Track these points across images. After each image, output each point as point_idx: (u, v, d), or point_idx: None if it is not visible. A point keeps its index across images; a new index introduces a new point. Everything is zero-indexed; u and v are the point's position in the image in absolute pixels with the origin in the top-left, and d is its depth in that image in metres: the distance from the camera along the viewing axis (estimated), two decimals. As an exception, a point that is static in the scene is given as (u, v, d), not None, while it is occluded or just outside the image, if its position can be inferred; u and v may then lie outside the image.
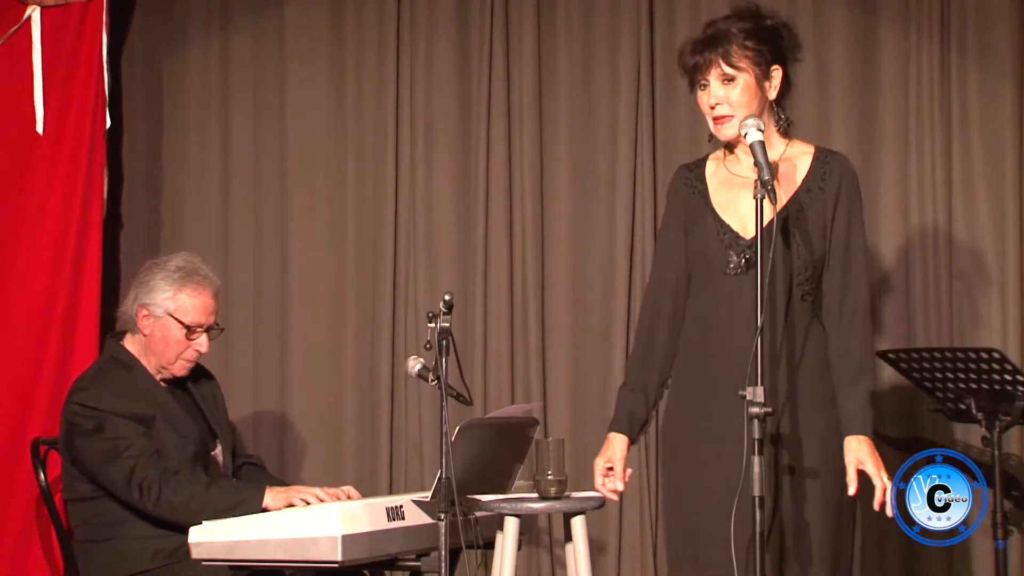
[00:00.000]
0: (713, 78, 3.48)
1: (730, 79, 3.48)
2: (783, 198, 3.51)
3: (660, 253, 3.71)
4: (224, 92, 5.36)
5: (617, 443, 3.62)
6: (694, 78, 3.51)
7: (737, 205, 3.53)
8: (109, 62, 5.11)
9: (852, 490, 3.43)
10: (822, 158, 3.58)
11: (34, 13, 5.05)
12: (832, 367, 3.53)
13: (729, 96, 3.48)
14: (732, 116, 3.48)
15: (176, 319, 4.22)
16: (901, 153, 5.00)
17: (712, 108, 3.49)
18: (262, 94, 5.34)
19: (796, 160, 3.56)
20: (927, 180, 4.97)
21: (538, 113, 5.20)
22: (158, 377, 4.28)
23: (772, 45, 3.52)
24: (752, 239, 3.45)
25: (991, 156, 4.94)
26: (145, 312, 4.24)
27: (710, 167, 3.63)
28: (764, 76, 3.50)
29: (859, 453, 3.44)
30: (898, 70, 5.01)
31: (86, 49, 5.07)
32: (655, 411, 3.67)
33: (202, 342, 4.27)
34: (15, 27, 5.04)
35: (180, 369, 4.28)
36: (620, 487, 3.61)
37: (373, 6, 5.29)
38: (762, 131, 3.41)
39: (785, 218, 3.49)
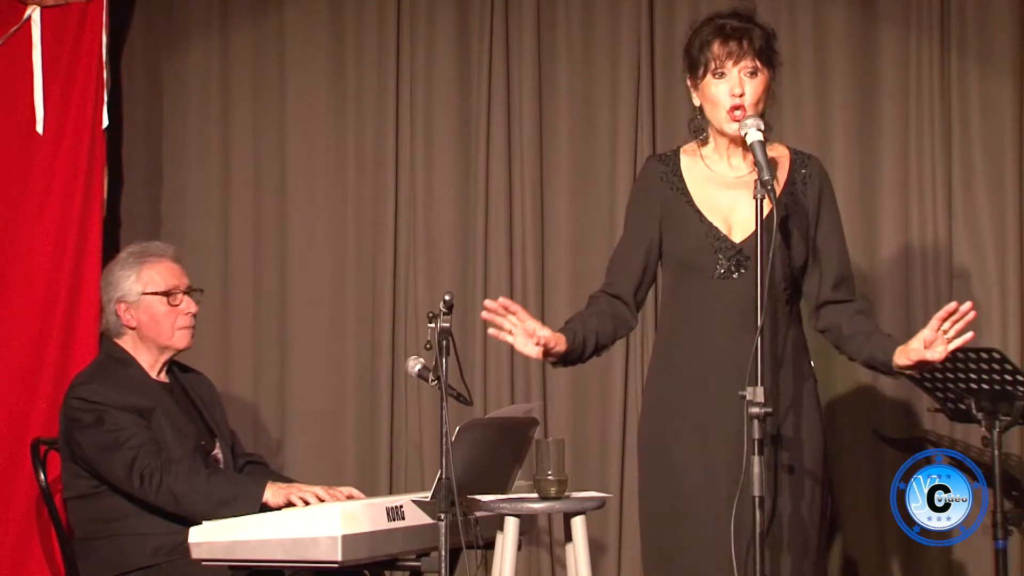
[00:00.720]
0: (738, 70, 3.47)
1: (754, 73, 3.48)
2: (768, 202, 3.51)
3: (631, 242, 3.65)
4: (224, 92, 5.35)
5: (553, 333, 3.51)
6: (716, 65, 3.49)
7: (720, 205, 3.52)
8: (109, 62, 5.11)
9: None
10: (799, 161, 3.60)
11: (34, 13, 5.04)
12: (847, 343, 3.53)
13: (750, 89, 3.48)
14: (746, 110, 3.47)
15: (151, 293, 4.27)
16: (901, 153, 5.00)
17: (738, 97, 3.47)
18: (262, 94, 5.34)
19: (775, 163, 3.55)
20: (927, 180, 4.97)
21: (538, 113, 5.20)
22: (159, 367, 4.31)
23: (777, 51, 3.54)
24: (740, 242, 3.46)
25: (991, 156, 4.94)
26: (123, 306, 4.28)
27: (685, 162, 3.61)
28: (772, 79, 3.52)
29: (911, 349, 3.40)
30: (898, 70, 5.01)
31: (86, 49, 5.07)
32: (584, 352, 3.60)
33: (187, 304, 4.32)
34: (15, 27, 5.04)
35: (181, 340, 4.31)
36: (511, 337, 3.47)
37: (373, 6, 5.29)
38: (762, 131, 3.41)
39: (768, 222, 3.49)
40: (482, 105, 5.21)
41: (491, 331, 3.51)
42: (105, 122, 5.08)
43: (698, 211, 3.54)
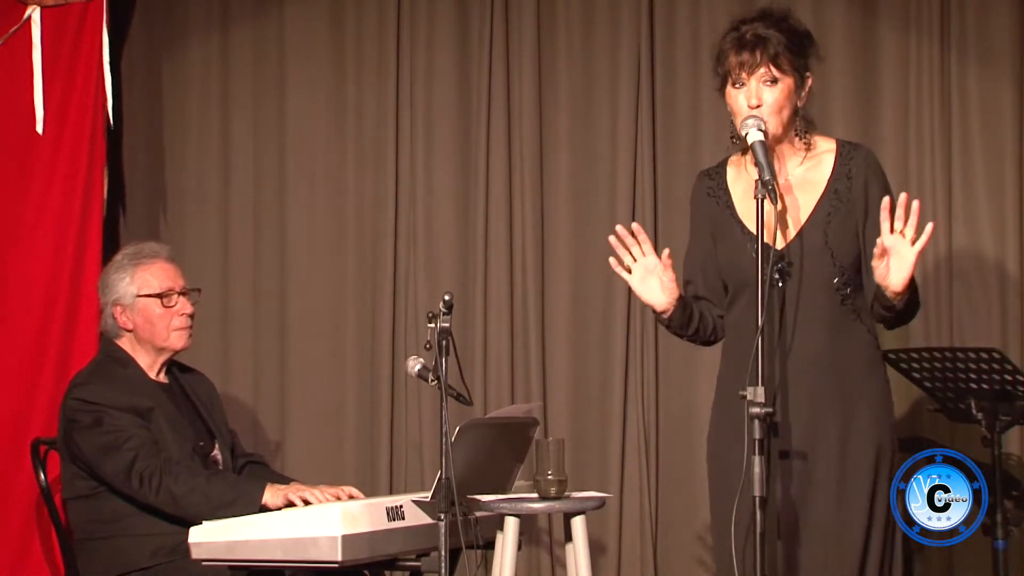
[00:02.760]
0: (756, 79, 3.46)
1: (773, 81, 3.47)
2: (811, 202, 3.50)
3: (692, 261, 3.67)
4: (224, 92, 5.35)
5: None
6: (734, 76, 3.48)
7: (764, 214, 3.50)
8: (109, 62, 5.11)
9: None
10: (844, 153, 3.56)
11: (34, 13, 5.04)
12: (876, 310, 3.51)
13: (769, 98, 3.47)
14: (766, 120, 3.46)
15: (145, 295, 4.27)
16: (901, 153, 5.00)
17: (756, 108, 3.46)
18: (262, 94, 5.34)
19: (819, 162, 3.55)
20: (927, 180, 4.97)
21: (538, 113, 5.20)
22: (157, 367, 4.31)
23: (807, 52, 3.52)
24: (783, 249, 3.44)
25: (991, 156, 4.94)
26: (119, 308, 4.28)
27: (731, 173, 3.62)
28: (800, 83, 3.50)
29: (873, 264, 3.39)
30: (898, 70, 5.01)
31: (86, 49, 5.07)
32: (692, 318, 3.62)
33: (182, 305, 4.32)
34: (15, 27, 5.04)
35: (177, 340, 4.30)
36: (627, 276, 3.52)
37: (373, 6, 5.29)
38: (763, 131, 3.41)
39: (813, 223, 3.49)
40: (482, 105, 5.21)
41: (611, 261, 3.53)
42: (110, 123, 5.08)
43: (740, 222, 3.54)
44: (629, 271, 3.56)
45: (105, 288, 4.33)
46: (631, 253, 3.54)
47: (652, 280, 3.55)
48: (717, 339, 3.69)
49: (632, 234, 3.53)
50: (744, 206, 3.56)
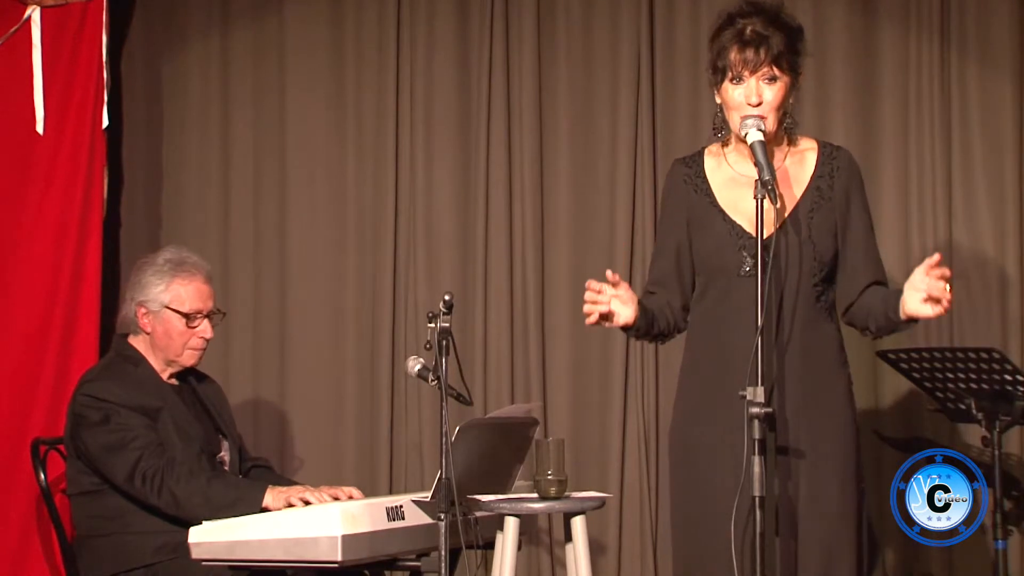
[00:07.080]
0: (756, 77, 3.48)
1: (772, 79, 3.48)
2: (794, 197, 3.53)
3: (663, 249, 3.67)
4: (224, 92, 5.36)
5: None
6: (734, 72, 3.48)
7: (745, 205, 3.50)
8: (109, 62, 5.11)
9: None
10: (827, 153, 3.60)
11: (34, 13, 5.05)
12: (865, 319, 3.55)
13: (769, 95, 3.48)
14: (766, 117, 3.48)
15: (173, 310, 4.26)
16: (901, 153, 5.00)
17: (756, 106, 3.47)
18: (262, 94, 5.34)
19: (802, 158, 3.58)
20: (927, 180, 4.97)
21: (538, 112, 5.20)
22: (167, 373, 4.31)
23: (801, 50, 3.54)
24: (765, 239, 3.45)
25: (991, 156, 4.94)
26: (143, 310, 4.27)
27: (709, 163, 3.62)
28: (795, 82, 3.52)
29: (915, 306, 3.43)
30: (898, 70, 5.01)
31: (86, 49, 5.07)
32: (654, 329, 3.61)
33: (204, 328, 4.30)
34: (15, 27, 5.04)
35: (189, 359, 4.31)
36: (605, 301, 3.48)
37: (373, 6, 5.29)
38: (762, 131, 3.42)
39: (796, 217, 3.50)
40: (482, 103, 5.21)
41: (592, 320, 3.48)
42: (105, 122, 5.08)
43: (722, 211, 3.55)
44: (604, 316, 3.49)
45: (136, 284, 4.31)
46: (601, 301, 3.48)
47: (615, 304, 3.50)
48: (679, 331, 3.68)
49: (608, 284, 3.48)
50: (724, 195, 3.57)
